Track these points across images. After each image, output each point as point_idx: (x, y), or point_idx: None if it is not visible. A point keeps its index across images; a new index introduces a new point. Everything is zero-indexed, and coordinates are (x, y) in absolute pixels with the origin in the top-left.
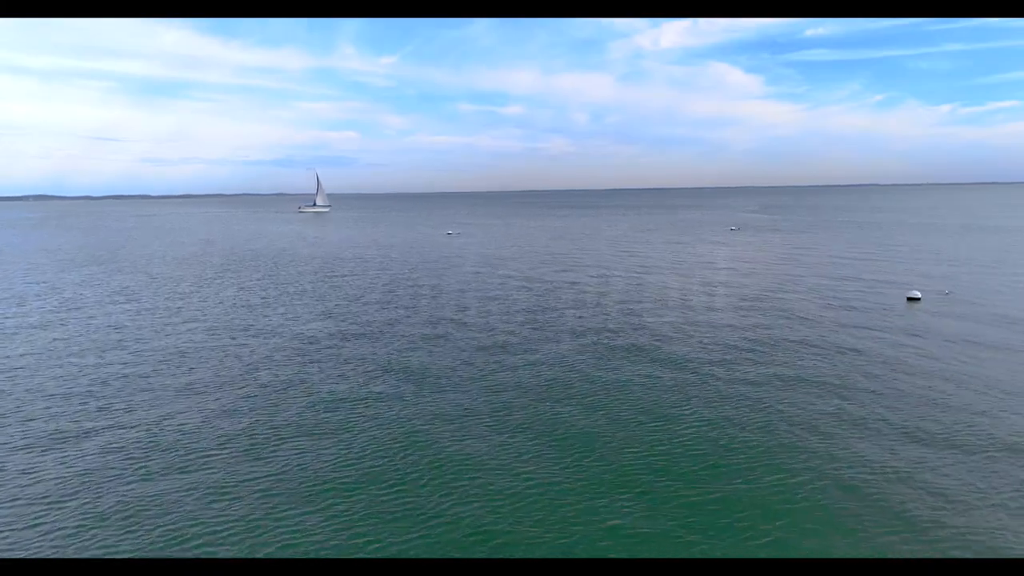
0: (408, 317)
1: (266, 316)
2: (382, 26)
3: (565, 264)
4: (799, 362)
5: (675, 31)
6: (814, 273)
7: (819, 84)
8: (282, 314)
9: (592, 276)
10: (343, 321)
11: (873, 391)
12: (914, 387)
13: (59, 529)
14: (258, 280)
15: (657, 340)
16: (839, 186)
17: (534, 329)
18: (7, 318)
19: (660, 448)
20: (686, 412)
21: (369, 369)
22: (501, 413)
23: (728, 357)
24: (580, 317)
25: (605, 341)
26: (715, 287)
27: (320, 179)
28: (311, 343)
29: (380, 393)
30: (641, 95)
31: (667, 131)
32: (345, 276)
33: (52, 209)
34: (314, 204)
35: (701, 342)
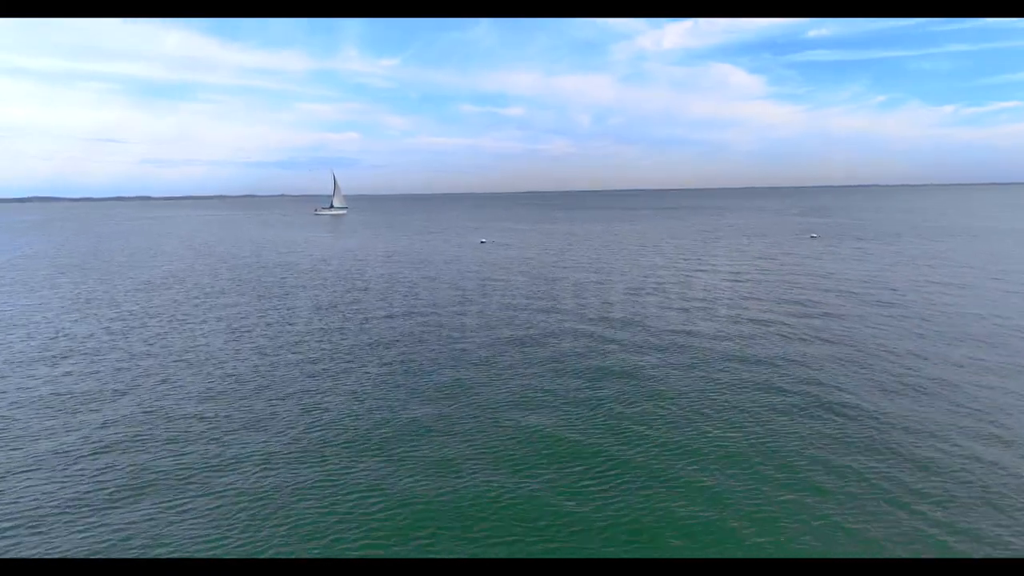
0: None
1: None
2: (384, 28)
3: (665, 290)
4: None
5: (677, 32)
6: None
7: (821, 85)
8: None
9: (722, 309)
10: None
11: None
12: None
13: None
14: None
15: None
16: (842, 187)
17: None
18: None
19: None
20: None
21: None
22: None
23: None
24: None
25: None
26: (935, 328)
27: (337, 179)
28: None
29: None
30: (643, 96)
31: (669, 132)
32: (405, 308)
33: (52, 211)
34: (331, 206)
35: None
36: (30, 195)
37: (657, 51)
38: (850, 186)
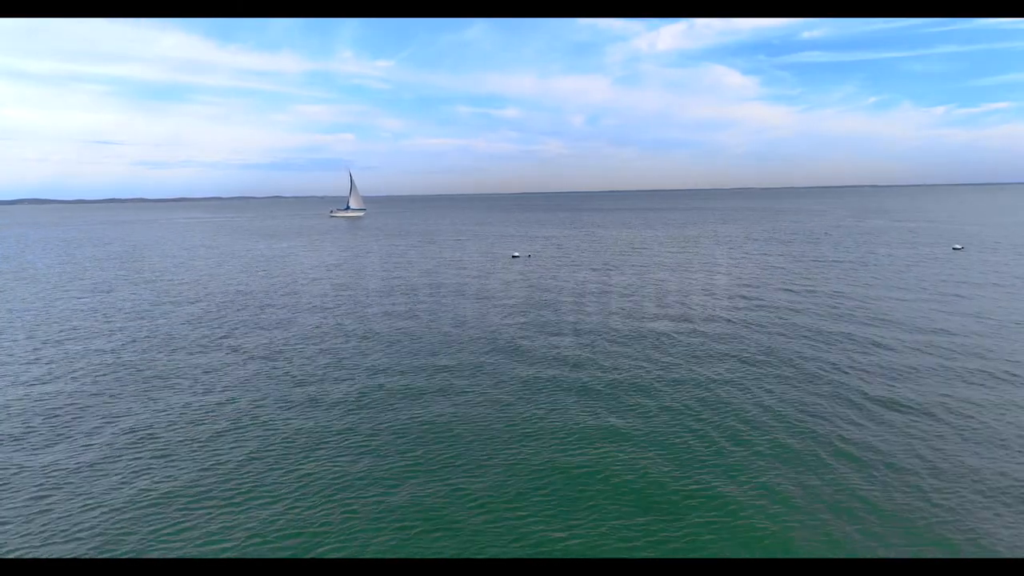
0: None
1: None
2: (380, 30)
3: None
4: None
5: (671, 34)
6: None
7: (814, 86)
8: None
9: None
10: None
11: None
12: None
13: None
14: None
15: None
16: (839, 187)
17: None
18: None
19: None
20: None
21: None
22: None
23: None
24: None
25: None
26: None
27: (354, 179)
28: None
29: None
30: (638, 98)
31: (664, 133)
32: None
33: (39, 215)
34: (347, 208)
35: None
36: (21, 197)
37: (651, 53)
38: (846, 187)
